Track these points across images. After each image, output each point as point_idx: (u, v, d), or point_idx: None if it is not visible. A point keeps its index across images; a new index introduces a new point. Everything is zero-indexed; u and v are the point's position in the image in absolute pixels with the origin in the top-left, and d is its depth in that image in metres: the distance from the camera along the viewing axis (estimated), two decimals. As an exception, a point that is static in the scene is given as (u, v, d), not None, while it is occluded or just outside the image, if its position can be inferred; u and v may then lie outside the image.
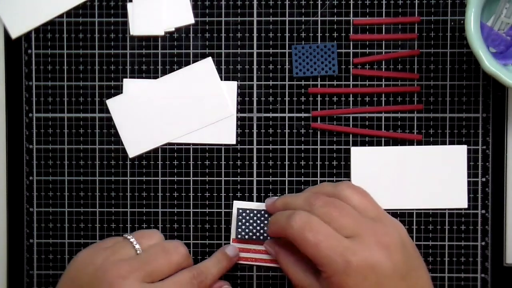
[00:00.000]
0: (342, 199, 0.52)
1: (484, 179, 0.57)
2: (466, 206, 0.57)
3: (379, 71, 0.57)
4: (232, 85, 0.58)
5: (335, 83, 0.57)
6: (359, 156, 0.57)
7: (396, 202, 0.57)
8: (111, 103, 0.58)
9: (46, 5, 0.57)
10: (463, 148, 0.57)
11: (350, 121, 0.58)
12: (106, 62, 0.58)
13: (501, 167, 0.57)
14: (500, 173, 0.57)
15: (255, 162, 0.58)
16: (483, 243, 0.57)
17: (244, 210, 0.57)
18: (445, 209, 0.57)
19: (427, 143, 0.57)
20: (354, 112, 0.58)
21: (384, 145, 0.57)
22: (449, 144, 0.57)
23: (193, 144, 0.58)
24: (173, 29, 0.58)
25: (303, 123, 0.58)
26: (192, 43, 0.58)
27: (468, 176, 0.57)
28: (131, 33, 0.58)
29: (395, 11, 0.57)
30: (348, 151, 0.58)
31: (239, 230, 0.57)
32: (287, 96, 0.58)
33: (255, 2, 0.57)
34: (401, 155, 0.57)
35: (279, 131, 0.58)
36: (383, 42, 0.57)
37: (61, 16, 0.58)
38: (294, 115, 0.58)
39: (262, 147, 0.58)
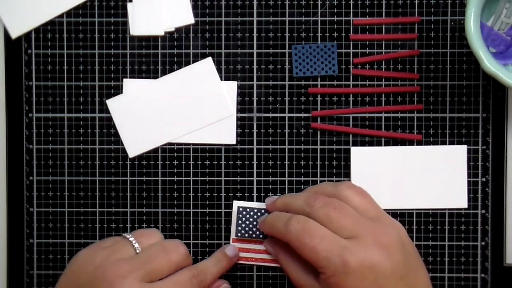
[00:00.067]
0: (343, 199, 0.52)
1: (484, 179, 0.57)
2: (466, 206, 0.57)
3: (379, 71, 0.57)
4: (232, 85, 0.58)
5: (335, 83, 0.57)
6: (359, 156, 0.57)
7: (396, 202, 0.57)
8: (111, 103, 0.58)
9: (46, 5, 0.57)
10: (463, 148, 0.57)
11: (350, 121, 0.58)
12: (106, 62, 0.58)
13: (501, 167, 0.57)
14: (500, 173, 0.57)
15: (255, 162, 0.58)
16: (483, 243, 0.57)
17: (244, 208, 0.57)
18: (445, 209, 0.57)
19: (427, 143, 0.57)
20: (354, 112, 0.58)
21: (384, 145, 0.57)
22: (449, 144, 0.57)
23: (193, 144, 0.58)
24: (173, 29, 0.58)
25: (303, 123, 0.58)
26: (192, 43, 0.58)
27: (468, 176, 0.57)
28: (131, 33, 0.58)
29: (395, 11, 0.57)
30: (348, 151, 0.58)
31: (239, 228, 0.57)
32: (287, 96, 0.58)
33: (255, 2, 0.57)
34: (401, 155, 0.57)
35: (279, 131, 0.58)
36: (383, 42, 0.57)
37: (61, 16, 0.58)
38: (294, 115, 0.58)
39: (262, 147, 0.58)
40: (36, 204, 0.58)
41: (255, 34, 0.58)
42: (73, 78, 0.58)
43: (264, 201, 0.57)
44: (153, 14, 0.57)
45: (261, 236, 0.56)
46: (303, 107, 0.58)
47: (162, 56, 0.58)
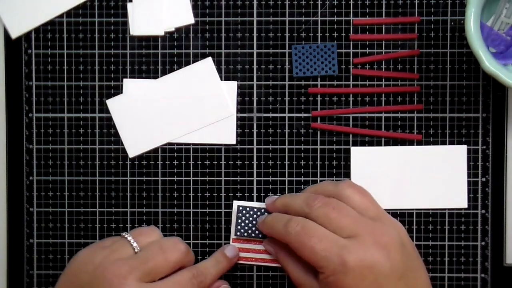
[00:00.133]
0: (343, 198, 0.52)
1: (484, 179, 0.57)
2: (466, 206, 0.57)
3: (379, 71, 0.57)
4: (232, 85, 0.58)
5: (335, 83, 0.57)
6: (359, 156, 0.57)
7: (396, 202, 0.57)
8: (111, 103, 0.58)
9: (46, 5, 0.57)
10: (463, 148, 0.57)
11: (350, 121, 0.58)
12: (106, 62, 0.58)
13: (501, 167, 0.57)
14: (500, 173, 0.57)
15: (255, 162, 0.58)
16: (483, 243, 0.57)
17: (244, 207, 0.57)
18: (445, 209, 0.57)
19: (427, 143, 0.57)
20: (354, 112, 0.58)
21: (384, 145, 0.57)
22: (449, 144, 0.57)
23: (193, 144, 0.58)
24: (173, 29, 0.58)
25: (303, 123, 0.58)
26: (192, 43, 0.58)
27: (468, 176, 0.57)
28: (131, 33, 0.58)
29: (395, 11, 0.57)
30: (348, 151, 0.58)
31: (239, 227, 0.57)
32: (287, 96, 0.58)
33: (255, 2, 0.57)
34: (401, 155, 0.57)
35: (279, 131, 0.58)
36: (383, 42, 0.57)
37: (61, 16, 0.58)
38: (294, 115, 0.58)
39: (262, 147, 0.58)
40: (36, 204, 0.58)
41: (255, 34, 0.58)
42: (73, 78, 0.58)
43: (264, 201, 0.57)
44: (153, 14, 0.57)
45: (260, 235, 0.56)
46: (303, 107, 0.58)
47: (162, 56, 0.58)
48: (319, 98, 0.58)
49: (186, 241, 0.57)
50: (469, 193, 0.57)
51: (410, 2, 0.57)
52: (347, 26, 0.57)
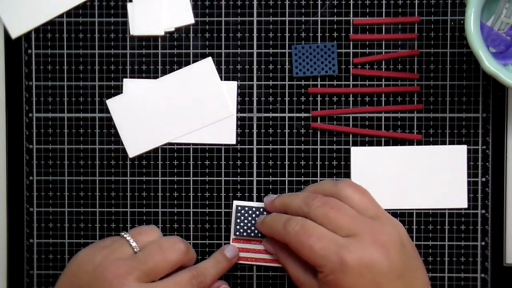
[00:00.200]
0: (343, 197, 0.52)
1: (484, 179, 0.57)
2: (466, 206, 0.57)
3: (379, 71, 0.57)
4: (232, 85, 0.58)
5: (335, 83, 0.57)
6: (359, 156, 0.57)
7: (396, 202, 0.57)
8: (111, 103, 0.58)
9: (46, 5, 0.57)
10: (463, 148, 0.57)
11: (350, 121, 0.58)
12: (106, 62, 0.58)
13: (501, 167, 0.57)
14: (500, 173, 0.57)
15: (255, 162, 0.58)
16: (483, 243, 0.57)
17: (243, 207, 0.57)
18: (445, 209, 0.57)
19: (427, 143, 0.57)
20: (354, 112, 0.58)
21: (384, 145, 0.57)
22: (449, 144, 0.57)
23: (193, 144, 0.58)
24: (173, 29, 0.58)
25: (303, 123, 0.58)
26: (192, 43, 0.58)
27: (468, 176, 0.57)
28: (131, 33, 0.58)
29: (395, 11, 0.57)
30: (348, 151, 0.58)
31: (238, 227, 0.57)
32: (287, 96, 0.58)
33: (255, 2, 0.57)
34: (401, 155, 0.57)
35: (279, 131, 0.58)
36: (383, 42, 0.57)
37: (61, 16, 0.58)
38: (294, 115, 0.58)
39: (262, 147, 0.58)
40: (36, 204, 0.58)
41: (255, 34, 0.58)
42: (73, 78, 0.58)
43: (263, 201, 0.57)
44: (153, 14, 0.57)
45: (259, 235, 0.56)
46: (303, 107, 0.58)
47: (162, 56, 0.58)
48: (319, 98, 0.58)
49: (186, 241, 0.57)
50: (469, 193, 0.57)
51: (410, 2, 0.57)
52: (347, 26, 0.57)
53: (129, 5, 0.58)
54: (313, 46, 0.57)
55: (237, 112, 0.58)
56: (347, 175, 0.58)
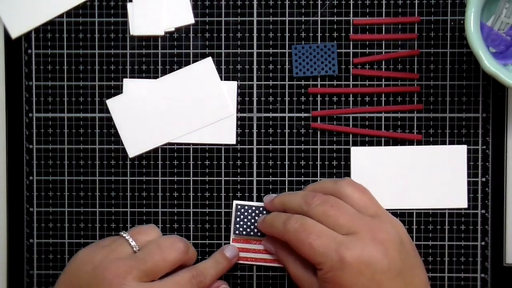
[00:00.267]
0: (343, 196, 0.52)
1: (484, 179, 0.57)
2: (466, 206, 0.57)
3: (379, 71, 0.57)
4: (232, 85, 0.58)
5: (335, 83, 0.57)
6: (359, 156, 0.57)
7: (396, 202, 0.57)
8: (111, 103, 0.58)
9: (46, 5, 0.57)
10: (463, 148, 0.57)
11: (350, 121, 0.58)
12: (106, 62, 0.58)
13: (501, 167, 0.57)
14: (500, 173, 0.57)
15: (255, 162, 0.58)
16: (483, 243, 0.57)
17: (243, 206, 0.57)
18: (445, 209, 0.57)
19: (427, 143, 0.57)
20: (354, 112, 0.58)
21: (384, 145, 0.57)
22: (449, 144, 0.57)
23: (193, 144, 0.58)
24: (173, 29, 0.58)
25: (303, 123, 0.58)
26: (192, 43, 0.58)
27: (468, 176, 0.57)
28: (131, 33, 0.58)
29: (395, 11, 0.57)
30: (348, 151, 0.58)
31: (237, 226, 0.57)
32: (287, 96, 0.58)
33: (255, 2, 0.57)
34: (401, 155, 0.57)
35: (279, 131, 0.58)
36: (383, 42, 0.57)
37: (61, 16, 0.58)
38: (294, 115, 0.58)
39: (262, 147, 0.58)
40: (36, 204, 0.58)
41: (255, 34, 0.58)
42: (73, 78, 0.58)
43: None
44: (153, 14, 0.57)
45: (259, 234, 0.56)
46: (303, 107, 0.58)
47: (162, 56, 0.58)
48: (319, 98, 0.58)
49: (186, 240, 0.57)
50: (469, 193, 0.57)
51: (410, 2, 0.57)
52: (347, 26, 0.57)
53: (129, 5, 0.58)
54: (313, 46, 0.57)
55: (237, 112, 0.58)
56: (347, 175, 0.58)
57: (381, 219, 0.52)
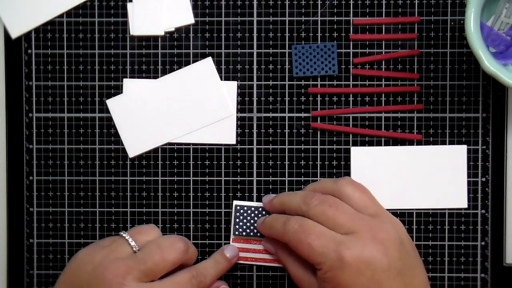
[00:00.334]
0: (343, 195, 0.52)
1: (484, 179, 0.57)
2: (466, 206, 0.57)
3: (379, 71, 0.57)
4: (232, 85, 0.58)
5: (335, 83, 0.57)
6: (359, 156, 0.57)
7: (396, 202, 0.57)
8: (111, 103, 0.58)
9: (46, 5, 0.57)
10: (463, 148, 0.57)
11: (350, 121, 0.58)
12: (106, 62, 0.58)
13: (501, 167, 0.57)
14: (500, 173, 0.57)
15: (255, 162, 0.58)
16: (483, 243, 0.57)
17: (242, 207, 0.57)
18: (445, 209, 0.57)
19: (427, 143, 0.57)
20: (354, 112, 0.58)
21: (384, 145, 0.57)
22: (449, 144, 0.57)
23: (193, 144, 0.58)
24: (173, 29, 0.58)
25: (303, 123, 0.58)
26: (192, 43, 0.58)
27: (468, 176, 0.57)
28: (131, 33, 0.58)
29: (395, 11, 0.57)
30: (348, 151, 0.58)
31: (237, 227, 0.57)
32: (287, 96, 0.58)
33: (255, 2, 0.57)
34: (401, 155, 0.57)
35: (279, 131, 0.58)
36: (383, 42, 0.57)
37: (61, 16, 0.58)
38: (294, 115, 0.58)
39: (262, 147, 0.58)
40: (36, 204, 0.58)
41: (255, 34, 0.58)
42: (73, 78, 0.58)
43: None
44: (153, 14, 0.57)
45: (258, 234, 0.56)
46: (303, 107, 0.58)
47: (162, 56, 0.58)
48: (319, 98, 0.58)
49: (187, 239, 0.57)
50: (469, 193, 0.57)
51: (410, 2, 0.57)
52: (347, 26, 0.57)
53: (129, 5, 0.58)
54: (313, 46, 0.57)
55: (237, 112, 0.58)
56: (347, 175, 0.57)
57: (381, 219, 0.52)
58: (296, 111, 0.58)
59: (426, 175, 0.57)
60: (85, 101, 0.58)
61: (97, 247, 0.53)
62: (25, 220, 0.58)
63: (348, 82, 0.57)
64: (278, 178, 0.58)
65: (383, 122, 0.57)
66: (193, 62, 0.58)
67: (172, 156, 0.58)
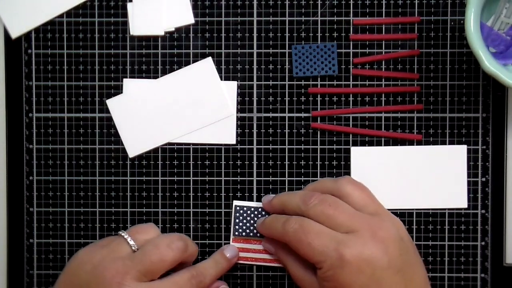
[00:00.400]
0: (343, 194, 0.52)
1: (484, 179, 0.57)
2: (466, 206, 0.57)
3: (379, 71, 0.57)
4: (232, 85, 0.58)
5: (335, 83, 0.57)
6: (359, 156, 0.57)
7: (396, 202, 0.57)
8: (111, 103, 0.58)
9: (46, 5, 0.57)
10: (463, 148, 0.57)
11: (350, 121, 0.58)
12: (106, 62, 0.58)
13: (501, 167, 0.57)
14: (500, 173, 0.57)
15: (255, 162, 0.58)
16: (483, 243, 0.57)
17: (242, 207, 0.57)
18: (445, 209, 0.57)
19: (427, 143, 0.57)
20: (354, 112, 0.58)
21: (384, 145, 0.57)
22: (449, 144, 0.57)
23: (193, 144, 0.58)
24: (173, 29, 0.58)
25: (303, 123, 0.58)
26: (192, 43, 0.58)
27: (468, 176, 0.57)
28: (131, 33, 0.58)
29: (395, 11, 0.57)
30: (348, 151, 0.58)
31: (237, 227, 0.57)
32: (287, 96, 0.58)
33: (255, 2, 0.57)
34: (401, 155, 0.57)
35: (279, 131, 0.58)
36: (383, 42, 0.57)
37: (61, 16, 0.58)
38: (294, 115, 0.58)
39: (262, 147, 0.58)
40: (36, 204, 0.58)
41: (255, 34, 0.58)
42: (73, 78, 0.58)
43: (263, 201, 0.57)
44: (153, 14, 0.57)
45: (258, 234, 0.56)
46: (303, 107, 0.58)
47: (162, 56, 0.58)
48: (319, 98, 0.58)
49: (186, 237, 0.57)
50: (469, 193, 0.57)
51: (410, 2, 0.57)
52: (347, 26, 0.57)
53: (129, 5, 0.58)
54: (313, 46, 0.57)
55: (237, 112, 0.58)
56: (347, 175, 0.57)
57: (381, 217, 0.52)
58: (296, 111, 0.58)
59: (426, 175, 0.57)
60: (85, 101, 0.58)
61: (97, 246, 0.53)
62: (25, 220, 0.58)
63: (348, 82, 0.57)
64: (278, 178, 0.58)
65: (383, 122, 0.57)
66: (193, 62, 0.58)
67: (172, 156, 0.58)
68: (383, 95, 0.57)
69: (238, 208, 0.57)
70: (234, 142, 0.58)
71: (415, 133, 0.57)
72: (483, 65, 0.50)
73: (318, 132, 0.58)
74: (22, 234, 0.58)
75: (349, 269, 0.48)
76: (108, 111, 0.58)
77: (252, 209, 0.57)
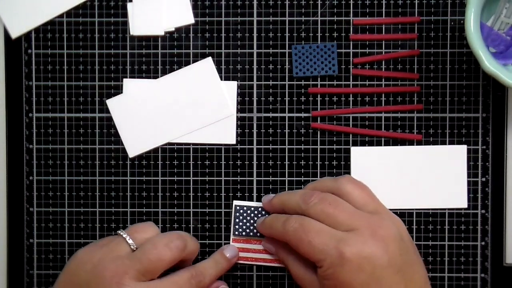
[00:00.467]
0: (343, 193, 0.52)
1: (484, 179, 0.57)
2: (466, 206, 0.57)
3: (379, 71, 0.57)
4: (232, 85, 0.58)
5: (335, 83, 0.57)
6: (359, 156, 0.57)
7: (396, 202, 0.57)
8: (111, 103, 0.58)
9: (46, 5, 0.58)
10: (463, 148, 0.57)
11: (350, 121, 0.58)
12: (106, 62, 0.58)
13: (501, 167, 0.57)
14: (500, 173, 0.57)
15: (255, 162, 0.58)
16: (483, 243, 0.57)
17: (242, 207, 0.57)
18: (445, 209, 0.57)
19: (427, 143, 0.57)
20: (354, 112, 0.58)
21: (384, 145, 0.57)
22: (449, 144, 0.57)
23: (193, 144, 0.58)
24: (173, 29, 0.58)
25: (303, 123, 0.58)
26: (192, 43, 0.58)
27: (468, 176, 0.57)
28: (131, 33, 0.58)
29: (395, 11, 0.57)
30: (348, 151, 0.58)
31: (237, 227, 0.57)
32: (287, 96, 0.58)
33: (255, 2, 0.57)
34: (401, 155, 0.57)
35: (279, 131, 0.58)
36: (383, 42, 0.57)
37: (61, 16, 0.58)
38: (294, 115, 0.58)
39: (262, 147, 0.58)
40: (36, 204, 0.58)
41: (255, 34, 0.58)
42: (73, 78, 0.58)
43: (263, 201, 0.57)
44: (153, 14, 0.57)
45: (258, 234, 0.56)
46: (303, 107, 0.58)
47: (162, 56, 0.58)
48: (319, 98, 0.58)
49: (186, 235, 0.57)
50: (469, 193, 0.57)
51: (410, 2, 0.57)
52: (347, 26, 0.57)
53: (129, 5, 0.58)
54: (313, 46, 0.57)
55: (237, 112, 0.58)
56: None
57: (381, 216, 0.52)
58: (296, 111, 0.58)
59: (426, 175, 0.57)
60: (85, 101, 0.58)
61: (96, 246, 0.53)
62: (25, 220, 0.58)
63: (348, 82, 0.57)
64: (278, 178, 0.58)
65: (383, 122, 0.57)
66: (193, 62, 0.58)
67: (172, 156, 0.58)
68: (383, 95, 0.57)
69: (238, 208, 0.57)
70: (234, 142, 0.58)
71: (415, 133, 0.57)
72: (483, 65, 0.50)
73: (318, 132, 0.58)
74: (22, 234, 0.58)
75: (349, 267, 0.48)
76: (108, 111, 0.58)
77: (252, 209, 0.57)
